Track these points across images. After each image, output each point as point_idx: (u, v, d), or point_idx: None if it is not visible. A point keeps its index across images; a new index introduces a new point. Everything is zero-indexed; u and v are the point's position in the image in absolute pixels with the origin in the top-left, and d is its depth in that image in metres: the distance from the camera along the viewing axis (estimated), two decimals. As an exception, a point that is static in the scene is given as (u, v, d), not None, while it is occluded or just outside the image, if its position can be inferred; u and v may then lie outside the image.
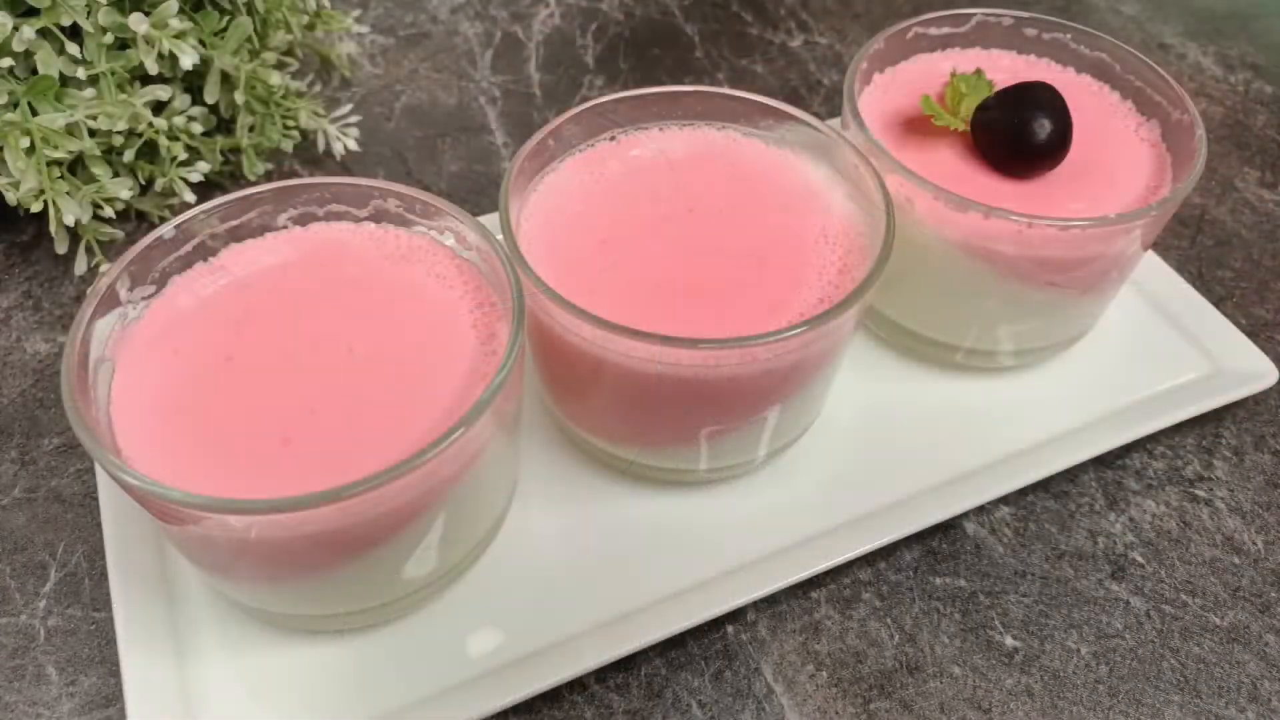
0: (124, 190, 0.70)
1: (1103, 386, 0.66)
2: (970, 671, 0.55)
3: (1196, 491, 0.63)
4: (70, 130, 0.66)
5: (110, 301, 0.48)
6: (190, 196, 0.73)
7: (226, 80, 0.74)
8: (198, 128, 0.73)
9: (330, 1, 0.88)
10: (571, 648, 0.53)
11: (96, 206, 0.70)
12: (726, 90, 0.60)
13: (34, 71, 0.65)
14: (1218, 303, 0.73)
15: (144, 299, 0.51)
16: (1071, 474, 0.63)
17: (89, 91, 0.66)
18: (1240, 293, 0.75)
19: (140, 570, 0.55)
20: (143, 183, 0.75)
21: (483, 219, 0.68)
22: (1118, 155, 0.62)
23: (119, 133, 0.68)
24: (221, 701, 0.51)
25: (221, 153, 0.77)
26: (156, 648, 0.52)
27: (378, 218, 0.55)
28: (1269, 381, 0.65)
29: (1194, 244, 0.79)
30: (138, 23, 0.65)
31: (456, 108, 0.89)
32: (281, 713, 0.51)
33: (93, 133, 0.68)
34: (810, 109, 0.90)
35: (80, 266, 0.72)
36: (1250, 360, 0.66)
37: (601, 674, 0.55)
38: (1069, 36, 0.67)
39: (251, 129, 0.78)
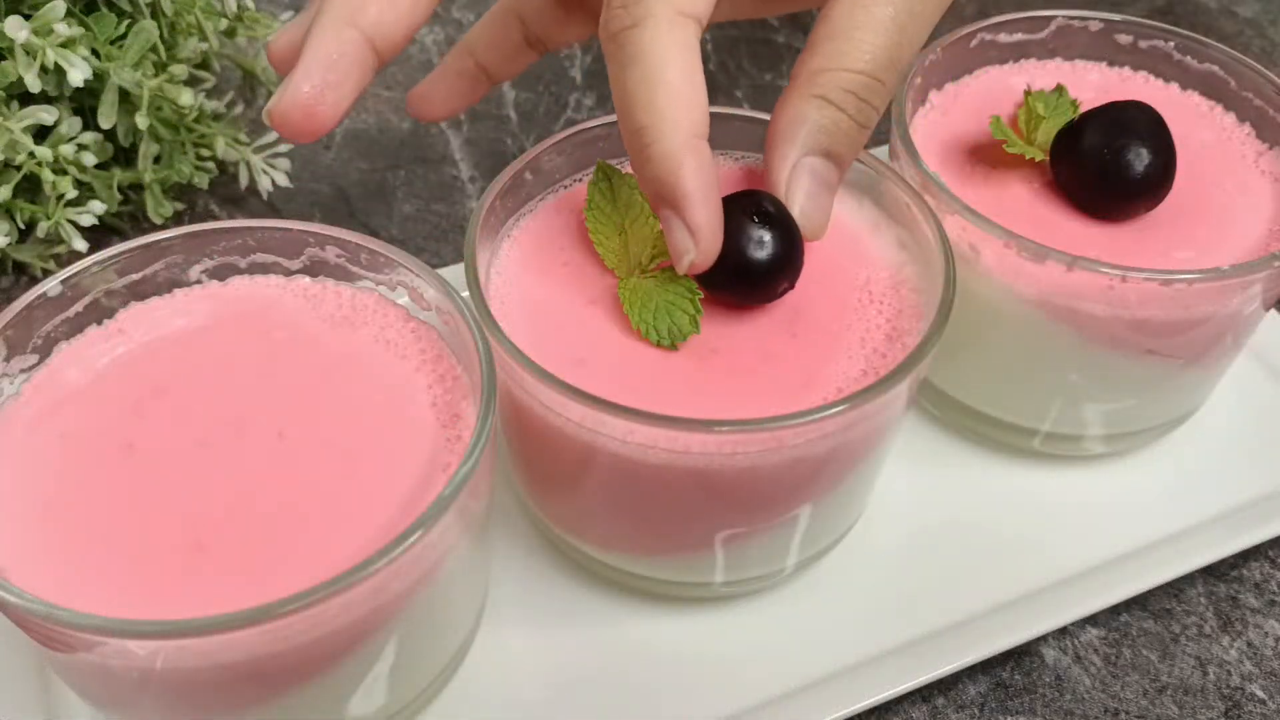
0: (-2, 236, 0.70)
1: (1214, 480, 0.66)
2: (1055, 838, 0.55)
3: (1334, 610, 0.63)
4: (-68, 162, 0.66)
5: (-19, 375, 0.49)
6: (81, 244, 0.73)
7: (126, 100, 0.74)
8: (90, 159, 0.73)
9: (254, 2, 0.89)
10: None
11: (-37, 256, 0.70)
12: (747, 111, 0.60)
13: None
14: (1357, 374, 0.74)
15: (23, 371, 0.51)
16: (1176, 588, 0.63)
17: (-44, 115, 0.66)
18: (1385, 362, 0.75)
19: (20, 708, 0.54)
20: (22, 227, 0.75)
21: (444, 271, 0.68)
22: (1232, 192, 0.62)
23: (-7, 165, 0.69)
24: None
25: (120, 190, 0.77)
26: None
27: (314, 271, 0.55)
28: None
29: (1326, 301, 0.79)
30: (15, 28, 0.66)
31: (411, 134, 0.90)
32: None
33: (-40, 165, 0.68)
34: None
35: (-58, 330, 0.72)
36: (1396, 448, 0.67)
37: (591, 841, 0.55)
38: (1171, 44, 0.67)
39: (157, 160, 0.78)
